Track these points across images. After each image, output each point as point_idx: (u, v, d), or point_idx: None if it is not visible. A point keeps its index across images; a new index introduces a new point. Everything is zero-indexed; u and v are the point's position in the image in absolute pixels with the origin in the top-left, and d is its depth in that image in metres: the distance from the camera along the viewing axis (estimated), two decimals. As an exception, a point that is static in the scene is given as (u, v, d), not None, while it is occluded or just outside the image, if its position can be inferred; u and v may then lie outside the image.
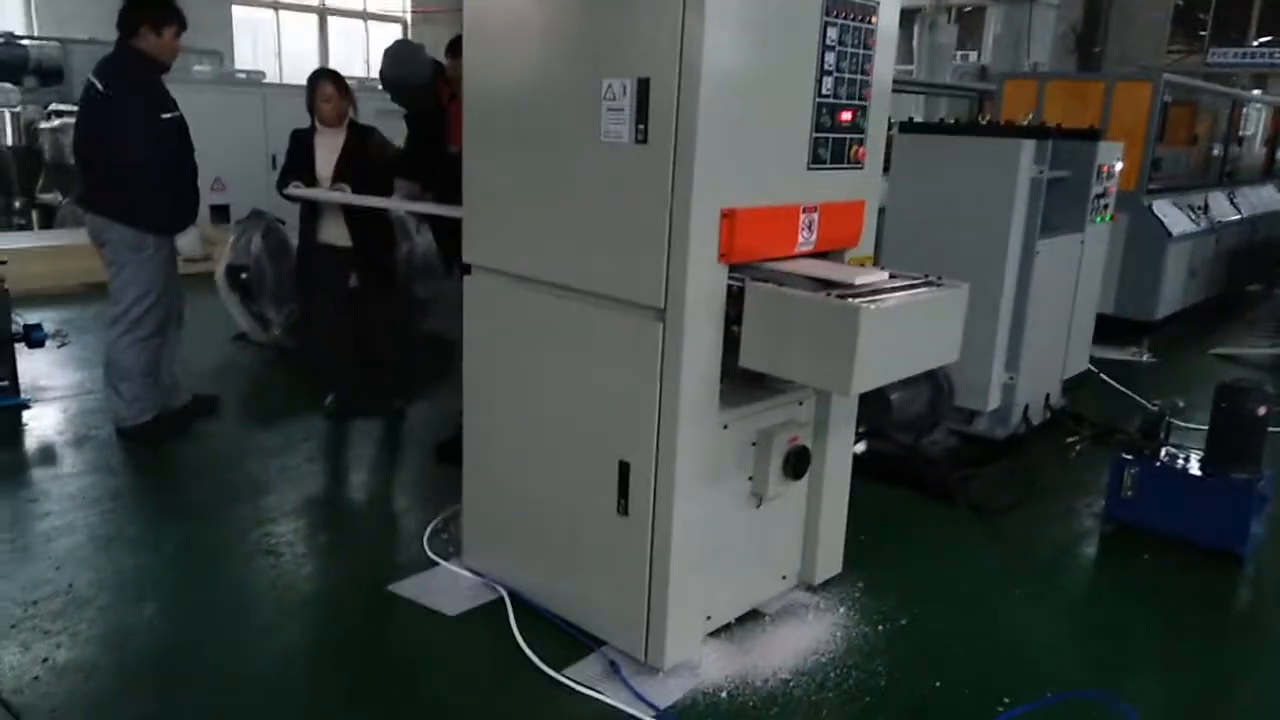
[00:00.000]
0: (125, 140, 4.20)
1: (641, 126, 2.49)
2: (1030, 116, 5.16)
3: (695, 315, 2.53)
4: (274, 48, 18.49)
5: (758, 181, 2.61)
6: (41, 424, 4.73)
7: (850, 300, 2.44)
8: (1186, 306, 7.84)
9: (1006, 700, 2.76)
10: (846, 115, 2.83)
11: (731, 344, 2.64)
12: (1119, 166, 5.24)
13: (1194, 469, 3.78)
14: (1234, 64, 19.55)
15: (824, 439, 3.17)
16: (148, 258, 4.36)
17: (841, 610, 3.22)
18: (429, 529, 3.64)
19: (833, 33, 2.69)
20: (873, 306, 2.42)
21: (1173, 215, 7.28)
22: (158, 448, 4.46)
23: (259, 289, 5.88)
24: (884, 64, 2.91)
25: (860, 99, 2.86)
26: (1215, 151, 8.75)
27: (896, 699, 2.77)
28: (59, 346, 5.48)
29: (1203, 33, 20.25)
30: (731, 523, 2.93)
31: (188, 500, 4.00)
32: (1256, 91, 14.66)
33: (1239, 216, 8.65)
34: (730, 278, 2.61)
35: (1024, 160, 4.40)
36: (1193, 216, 7.55)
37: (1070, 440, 4.43)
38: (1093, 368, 5.83)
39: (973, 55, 19.62)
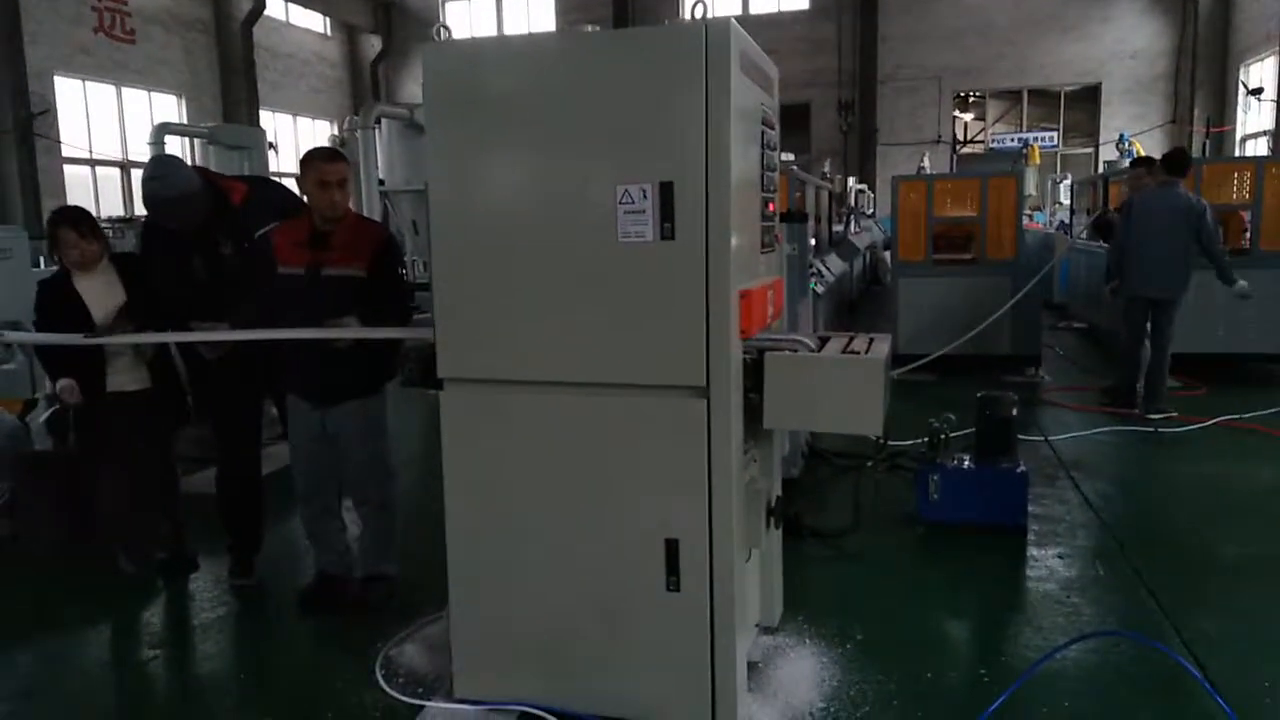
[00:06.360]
0: None
1: (667, 225, 2.72)
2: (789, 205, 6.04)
3: (733, 389, 2.79)
4: None
5: (749, 266, 2.96)
6: None
7: (862, 356, 2.88)
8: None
9: (983, 671, 3.32)
10: (771, 206, 3.30)
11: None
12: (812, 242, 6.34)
13: (974, 467, 4.73)
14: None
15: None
16: None
17: (809, 643, 3.57)
18: (378, 677, 3.34)
19: (767, 134, 3.16)
20: (879, 358, 2.88)
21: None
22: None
23: (-49, 474, 4.76)
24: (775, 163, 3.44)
25: (774, 191, 3.35)
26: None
27: (920, 691, 3.19)
28: None
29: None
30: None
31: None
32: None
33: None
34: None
35: (783, 239, 5.21)
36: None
37: (869, 465, 5.28)
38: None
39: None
